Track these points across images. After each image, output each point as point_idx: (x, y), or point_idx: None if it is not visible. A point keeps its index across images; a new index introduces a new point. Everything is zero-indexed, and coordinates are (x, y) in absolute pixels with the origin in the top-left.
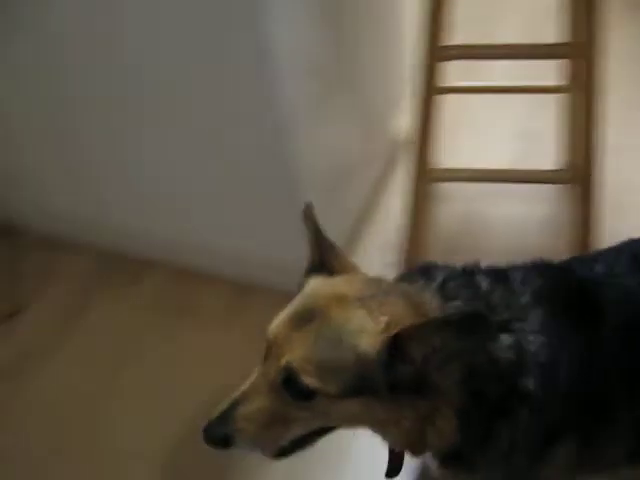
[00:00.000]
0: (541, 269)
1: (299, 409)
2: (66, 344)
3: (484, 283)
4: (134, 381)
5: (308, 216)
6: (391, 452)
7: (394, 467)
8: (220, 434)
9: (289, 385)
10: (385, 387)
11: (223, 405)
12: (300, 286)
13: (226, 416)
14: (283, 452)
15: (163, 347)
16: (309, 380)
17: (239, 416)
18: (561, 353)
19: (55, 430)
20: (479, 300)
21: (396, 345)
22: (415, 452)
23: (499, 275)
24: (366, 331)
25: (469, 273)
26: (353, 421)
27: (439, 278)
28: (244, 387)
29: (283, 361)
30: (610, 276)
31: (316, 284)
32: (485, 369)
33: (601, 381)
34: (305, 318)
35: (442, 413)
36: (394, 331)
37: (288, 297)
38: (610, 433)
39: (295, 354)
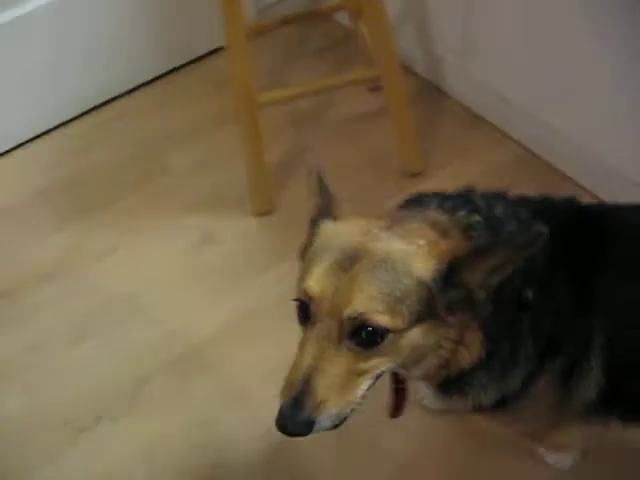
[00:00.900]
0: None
1: (370, 358)
2: None
3: (481, 201)
4: None
5: (318, 171)
6: (396, 391)
7: (399, 405)
8: (302, 418)
9: (359, 334)
10: (443, 308)
11: (292, 388)
12: (311, 235)
13: (302, 396)
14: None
15: None
16: (381, 318)
17: (320, 388)
18: (559, 271)
19: None
20: (480, 213)
21: (450, 271)
22: (437, 377)
23: (495, 195)
24: (414, 255)
25: (463, 195)
26: (411, 355)
27: (434, 202)
28: (305, 361)
29: (346, 312)
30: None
31: (332, 230)
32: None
33: (587, 310)
34: (347, 263)
35: (472, 328)
36: (446, 258)
37: None
38: (583, 372)
39: (357, 299)
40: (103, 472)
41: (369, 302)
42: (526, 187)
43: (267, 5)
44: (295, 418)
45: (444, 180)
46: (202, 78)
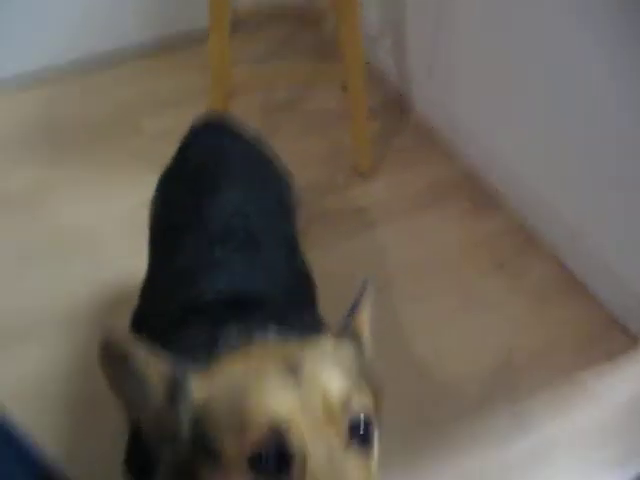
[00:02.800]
0: None
1: (369, 457)
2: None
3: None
4: None
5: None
6: None
7: None
8: None
9: (356, 432)
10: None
11: None
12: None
13: None
14: None
15: None
16: (364, 401)
17: None
18: None
19: None
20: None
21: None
22: None
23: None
24: (338, 343)
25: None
26: None
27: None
28: None
29: (343, 416)
30: None
31: (224, 379)
32: None
33: None
34: (290, 375)
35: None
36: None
37: None
38: None
39: (337, 389)
40: (16, 383)
41: (351, 394)
42: (462, 204)
43: None
44: None
45: (388, 186)
46: (191, 57)
